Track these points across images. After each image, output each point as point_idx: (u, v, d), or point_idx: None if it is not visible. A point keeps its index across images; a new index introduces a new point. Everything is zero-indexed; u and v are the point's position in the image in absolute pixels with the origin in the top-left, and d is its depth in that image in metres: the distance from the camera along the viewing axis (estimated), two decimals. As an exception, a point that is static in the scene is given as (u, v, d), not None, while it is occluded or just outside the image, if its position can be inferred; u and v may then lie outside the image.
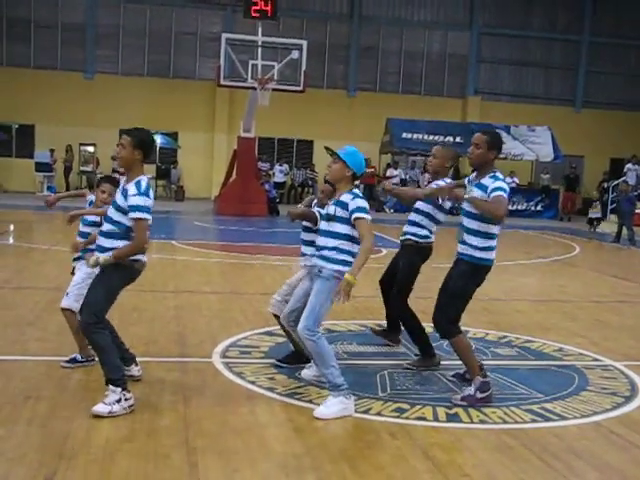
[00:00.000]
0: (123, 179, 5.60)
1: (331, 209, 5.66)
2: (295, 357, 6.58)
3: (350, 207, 5.53)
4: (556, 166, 31.25)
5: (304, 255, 6.47)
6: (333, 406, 5.42)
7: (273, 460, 4.61)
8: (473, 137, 6.05)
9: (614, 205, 25.11)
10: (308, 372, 6.26)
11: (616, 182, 26.51)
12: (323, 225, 5.73)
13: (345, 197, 5.60)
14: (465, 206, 6.05)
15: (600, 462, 4.85)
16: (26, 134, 31.34)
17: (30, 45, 31.47)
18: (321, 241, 5.69)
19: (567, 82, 35.54)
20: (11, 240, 16.16)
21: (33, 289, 9.89)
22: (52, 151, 29.77)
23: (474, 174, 6.12)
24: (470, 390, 5.86)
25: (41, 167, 29.57)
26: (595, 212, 24.55)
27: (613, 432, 5.42)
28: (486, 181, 5.89)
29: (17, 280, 10.53)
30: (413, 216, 7.03)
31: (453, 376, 6.49)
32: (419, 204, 6.97)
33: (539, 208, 30.18)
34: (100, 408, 5.12)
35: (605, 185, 28.33)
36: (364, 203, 5.61)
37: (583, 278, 14.05)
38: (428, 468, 4.60)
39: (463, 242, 6.02)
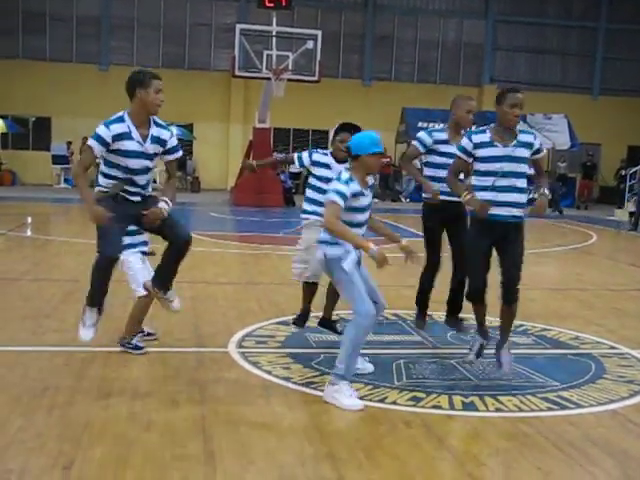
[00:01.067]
0: None
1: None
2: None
3: None
4: (573, 154, 31.08)
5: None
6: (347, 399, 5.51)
7: (289, 450, 4.63)
8: (517, 99, 5.97)
9: (635, 191, 24.87)
10: None
11: (635, 169, 26.32)
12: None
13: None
14: (513, 167, 5.97)
15: (617, 450, 4.83)
16: (42, 127, 31.53)
17: (45, 38, 31.61)
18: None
19: (584, 69, 35.32)
20: (28, 232, 16.26)
21: (50, 281, 9.95)
22: (69, 143, 29.90)
23: (477, 134, 6.09)
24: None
25: (58, 159, 29.74)
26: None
27: (630, 420, 5.40)
28: (525, 137, 6.05)
29: (34, 272, 10.60)
30: None
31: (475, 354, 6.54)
32: None
33: (556, 196, 29.97)
34: None
35: (623, 172, 28.15)
36: (335, 185, 5.51)
37: (600, 266, 13.98)
38: (444, 457, 4.61)
39: (513, 204, 5.99)
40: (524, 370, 6.48)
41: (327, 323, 7.08)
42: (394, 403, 5.52)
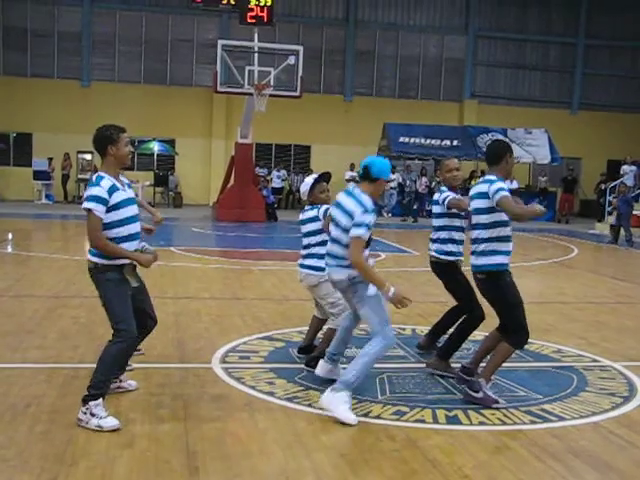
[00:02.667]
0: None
1: None
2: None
3: None
4: (554, 168, 31.30)
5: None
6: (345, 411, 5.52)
7: (274, 464, 4.63)
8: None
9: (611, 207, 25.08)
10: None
11: (613, 184, 26.53)
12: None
13: None
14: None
15: (599, 462, 4.87)
16: (24, 143, 31.38)
17: (27, 54, 31.51)
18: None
19: (563, 84, 35.62)
20: (10, 249, 16.17)
21: (32, 297, 9.90)
22: (50, 159, 29.78)
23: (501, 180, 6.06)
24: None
25: (39, 175, 29.60)
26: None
27: (612, 432, 5.44)
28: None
29: (16, 288, 10.54)
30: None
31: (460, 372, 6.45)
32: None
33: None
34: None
35: (602, 187, 28.37)
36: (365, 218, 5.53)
37: (581, 280, 14.07)
38: (428, 470, 4.62)
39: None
40: (507, 383, 6.52)
41: (307, 349, 7.04)
42: (378, 417, 5.53)
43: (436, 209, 6.97)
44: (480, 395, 5.89)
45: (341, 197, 5.76)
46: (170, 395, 5.83)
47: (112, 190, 5.28)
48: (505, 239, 5.95)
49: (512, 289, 5.97)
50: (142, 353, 6.79)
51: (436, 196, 6.99)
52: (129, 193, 5.49)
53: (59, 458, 4.52)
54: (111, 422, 5.07)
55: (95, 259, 5.31)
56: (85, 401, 5.12)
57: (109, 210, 5.26)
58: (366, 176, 5.64)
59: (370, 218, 5.47)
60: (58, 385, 5.99)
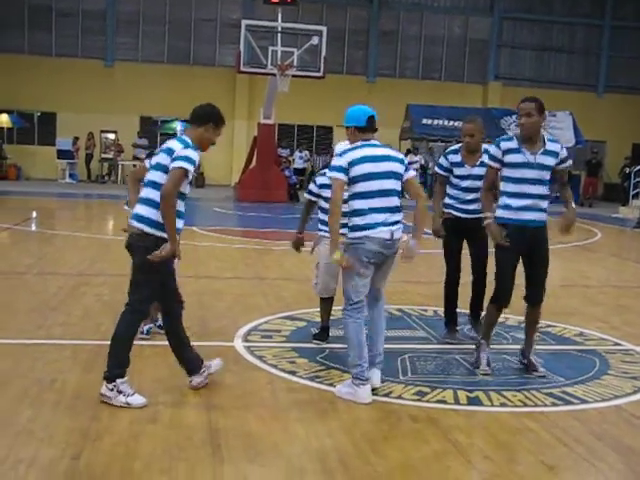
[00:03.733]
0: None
1: None
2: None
3: None
4: (578, 151, 31.03)
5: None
6: (344, 387, 5.55)
7: (295, 443, 4.66)
8: (522, 106, 6.17)
9: (638, 190, 24.87)
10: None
11: (639, 167, 26.28)
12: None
13: None
14: (534, 174, 6.08)
15: (621, 445, 4.86)
16: (48, 122, 31.57)
17: (51, 33, 31.65)
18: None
19: (589, 66, 35.28)
20: (34, 227, 16.30)
21: (56, 275, 9.99)
22: (76, 139, 29.91)
23: (509, 141, 6.18)
24: None
25: (63, 155, 29.78)
26: None
27: (634, 415, 5.42)
28: (553, 147, 6.17)
29: (40, 266, 10.64)
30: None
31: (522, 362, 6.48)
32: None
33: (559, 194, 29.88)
34: None
35: (627, 170, 28.11)
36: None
37: (604, 263, 13.99)
38: (449, 450, 4.63)
39: (538, 209, 6.13)
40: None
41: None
42: (399, 397, 5.54)
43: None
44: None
45: None
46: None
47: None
48: None
49: None
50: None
51: None
52: None
53: (84, 433, 4.58)
54: (139, 400, 5.12)
55: (152, 230, 5.18)
56: (109, 379, 5.16)
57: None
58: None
59: (334, 160, 5.70)
60: (82, 361, 6.06)
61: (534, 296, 6.31)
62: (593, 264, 13.64)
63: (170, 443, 4.51)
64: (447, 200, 7.24)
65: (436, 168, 7.55)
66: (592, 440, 4.91)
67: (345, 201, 5.63)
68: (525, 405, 5.53)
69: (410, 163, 24.76)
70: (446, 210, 7.24)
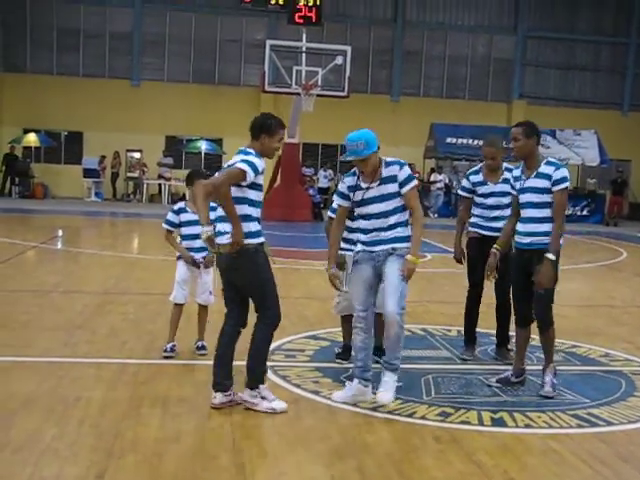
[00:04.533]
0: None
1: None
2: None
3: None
4: (603, 170, 30.89)
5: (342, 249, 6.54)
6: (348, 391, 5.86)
7: (319, 463, 4.65)
8: (511, 131, 6.25)
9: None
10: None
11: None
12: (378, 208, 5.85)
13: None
14: (526, 198, 6.13)
15: (648, 468, 4.81)
16: (74, 141, 31.90)
17: (79, 54, 32.03)
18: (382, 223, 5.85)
19: (614, 85, 35.12)
20: (60, 245, 16.45)
21: (81, 293, 10.06)
22: (103, 158, 30.16)
23: (517, 169, 6.32)
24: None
25: (89, 173, 30.03)
26: None
27: (661, 438, 5.37)
28: (546, 169, 6.10)
29: (66, 284, 10.72)
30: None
31: (498, 381, 6.44)
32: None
33: (585, 213, 29.81)
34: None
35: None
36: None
37: (630, 283, 13.88)
38: (473, 472, 4.61)
39: (534, 234, 6.10)
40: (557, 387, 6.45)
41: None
42: (423, 418, 5.53)
43: None
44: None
45: None
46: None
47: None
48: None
49: None
50: (205, 353, 6.86)
51: None
52: None
53: (108, 452, 4.60)
54: (281, 404, 5.45)
55: (251, 240, 5.41)
56: (252, 387, 5.46)
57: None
58: None
59: (339, 185, 6.08)
60: (107, 379, 6.09)
61: (537, 321, 6.30)
62: (618, 284, 13.53)
63: (194, 463, 4.52)
64: (472, 219, 7.30)
65: (459, 191, 7.64)
66: (618, 463, 4.86)
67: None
68: (550, 427, 5.49)
69: (433, 182, 24.64)
70: (472, 229, 7.27)
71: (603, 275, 14.49)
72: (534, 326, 6.32)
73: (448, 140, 28.98)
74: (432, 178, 30.08)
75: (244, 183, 5.33)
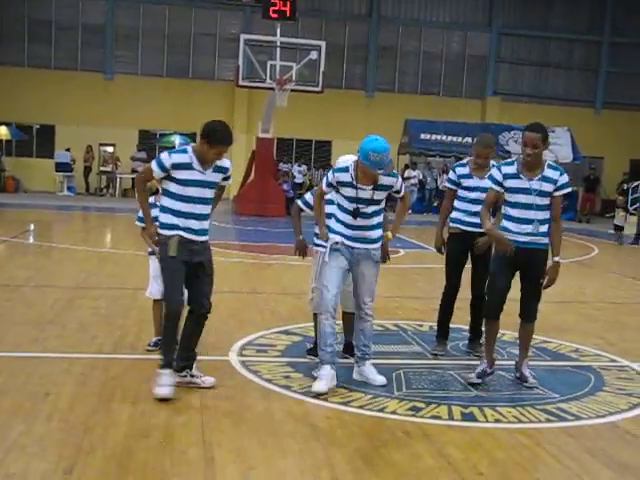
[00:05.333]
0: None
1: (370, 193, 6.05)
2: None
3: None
4: (575, 167, 31.09)
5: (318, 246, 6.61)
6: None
7: (288, 457, 4.65)
8: (529, 137, 6.08)
9: (636, 206, 24.81)
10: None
11: (636, 183, 26.28)
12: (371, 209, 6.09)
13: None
14: (531, 200, 6.12)
15: (615, 462, 4.85)
16: (46, 134, 31.62)
17: (51, 46, 31.75)
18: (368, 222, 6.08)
19: (587, 83, 35.39)
20: (31, 239, 16.30)
21: (53, 287, 9.98)
22: (68, 150, 29.89)
23: (507, 166, 6.24)
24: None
25: (61, 167, 29.80)
26: (620, 219, 21.94)
27: (629, 432, 5.42)
28: (551, 173, 6.15)
29: (37, 278, 10.63)
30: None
31: (478, 377, 6.38)
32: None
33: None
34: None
35: (625, 186, 28.08)
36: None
37: (602, 279, 14.00)
38: (442, 466, 4.62)
39: (534, 234, 6.17)
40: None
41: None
42: (394, 413, 5.54)
43: None
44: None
45: None
46: (186, 387, 5.86)
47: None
48: None
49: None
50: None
51: None
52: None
53: (77, 446, 4.57)
54: (161, 391, 5.51)
55: (162, 231, 5.77)
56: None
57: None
58: None
59: (329, 173, 6.21)
60: (77, 374, 6.04)
61: (526, 314, 6.39)
62: (590, 280, 13.65)
63: (163, 457, 4.50)
64: (454, 214, 7.28)
65: (446, 183, 7.61)
66: (586, 457, 4.90)
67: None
68: (519, 421, 5.53)
69: (407, 178, 24.67)
70: (453, 225, 7.25)
71: (575, 271, 14.58)
72: (506, 321, 6.36)
73: (422, 136, 29.03)
74: (406, 174, 30.11)
75: (157, 177, 5.73)
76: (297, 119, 29.88)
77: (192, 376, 5.89)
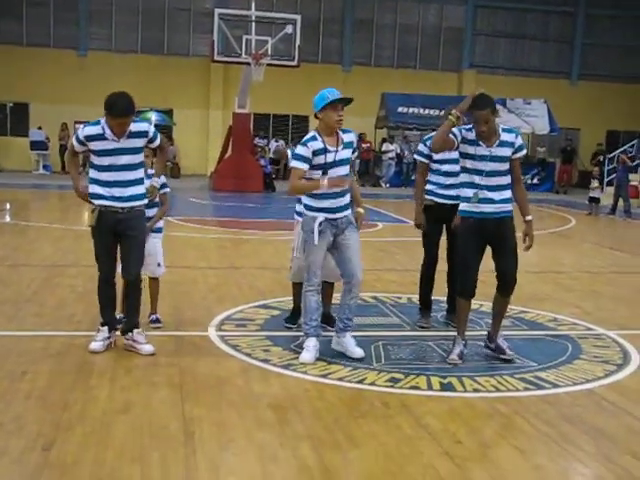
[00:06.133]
0: None
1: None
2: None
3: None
4: (552, 139, 31.24)
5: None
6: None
7: (268, 430, 4.66)
8: (479, 115, 6.02)
9: (612, 177, 25.00)
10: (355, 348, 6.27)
11: (613, 154, 26.47)
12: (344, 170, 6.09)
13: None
14: (492, 167, 6.05)
15: (591, 428, 4.90)
16: (20, 112, 31.26)
17: (22, 22, 31.29)
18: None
19: (563, 54, 35.45)
20: (7, 218, 16.17)
21: (29, 266, 9.91)
22: (40, 128, 29.60)
23: (467, 131, 6.16)
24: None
25: (36, 145, 29.51)
26: (596, 191, 21.43)
27: (605, 399, 5.47)
28: (507, 137, 6.12)
29: (13, 257, 10.55)
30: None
31: (459, 357, 6.23)
32: None
33: (535, 181, 30.16)
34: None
35: (601, 157, 28.25)
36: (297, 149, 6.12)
37: (578, 250, 14.10)
38: (421, 435, 4.65)
39: (499, 201, 6.09)
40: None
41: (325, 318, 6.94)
42: (373, 384, 5.56)
43: None
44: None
45: None
46: (166, 362, 5.86)
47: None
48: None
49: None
50: (160, 326, 6.84)
51: None
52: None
53: (55, 423, 4.56)
54: (93, 345, 5.99)
55: (92, 200, 6.04)
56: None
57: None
58: (315, 116, 6.21)
59: (298, 149, 6.03)
60: (55, 352, 6.02)
61: (503, 287, 6.33)
62: (567, 250, 13.74)
63: (143, 432, 4.50)
64: (428, 187, 7.25)
65: (415, 156, 7.56)
66: (563, 424, 4.95)
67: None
68: (498, 390, 5.57)
69: (385, 152, 24.62)
70: (428, 197, 7.25)
71: (552, 242, 14.68)
72: (484, 292, 6.38)
73: (399, 110, 29.03)
74: (384, 148, 30.13)
75: (78, 150, 6.07)
76: (274, 94, 29.73)
77: (134, 340, 6.11)
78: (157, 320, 6.91)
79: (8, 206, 18.13)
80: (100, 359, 5.88)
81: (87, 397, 5.03)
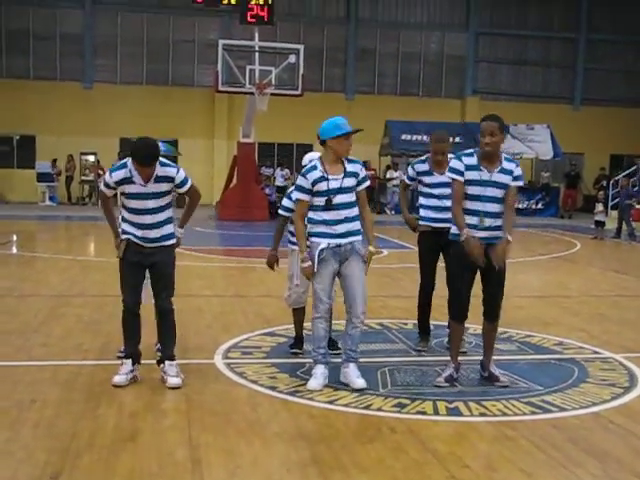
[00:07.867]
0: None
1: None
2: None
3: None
4: (556, 164, 31.30)
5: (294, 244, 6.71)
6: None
7: (275, 456, 4.67)
8: (485, 126, 6.09)
9: (615, 201, 25.02)
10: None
11: (615, 178, 26.51)
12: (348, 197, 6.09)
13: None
14: (490, 192, 6.07)
15: (598, 451, 4.90)
16: (27, 145, 31.48)
17: (29, 57, 31.63)
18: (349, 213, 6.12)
19: (565, 80, 35.61)
20: (14, 250, 16.25)
21: (36, 296, 9.97)
22: (54, 161, 29.82)
23: (467, 157, 6.16)
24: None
25: (43, 177, 29.68)
26: (600, 215, 21.31)
27: (612, 422, 5.48)
28: (508, 165, 6.15)
29: (20, 288, 10.60)
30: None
31: (446, 381, 6.25)
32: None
33: (540, 206, 30.18)
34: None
35: (604, 182, 28.28)
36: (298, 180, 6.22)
37: (584, 274, 14.10)
38: (428, 460, 4.66)
39: (493, 228, 6.10)
40: (508, 376, 6.53)
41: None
42: (379, 410, 5.57)
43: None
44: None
45: None
46: (172, 390, 5.88)
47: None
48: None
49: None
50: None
51: None
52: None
53: (64, 452, 4.58)
54: (115, 379, 5.92)
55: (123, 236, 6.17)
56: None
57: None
58: (320, 143, 6.18)
59: (299, 180, 6.13)
60: (63, 381, 6.05)
61: (490, 313, 6.35)
62: (573, 275, 13.74)
63: (150, 460, 4.51)
64: (422, 212, 7.35)
65: (403, 176, 7.85)
66: (570, 447, 4.95)
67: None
68: (504, 414, 5.57)
69: (389, 179, 24.71)
70: (423, 223, 7.32)
71: (558, 266, 14.70)
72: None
73: (403, 137, 29.15)
74: (388, 175, 30.22)
75: (109, 195, 6.13)
76: (278, 123, 29.87)
77: (164, 372, 6.10)
78: None
79: (15, 237, 18.21)
80: (108, 388, 5.89)
81: (95, 425, 5.05)
